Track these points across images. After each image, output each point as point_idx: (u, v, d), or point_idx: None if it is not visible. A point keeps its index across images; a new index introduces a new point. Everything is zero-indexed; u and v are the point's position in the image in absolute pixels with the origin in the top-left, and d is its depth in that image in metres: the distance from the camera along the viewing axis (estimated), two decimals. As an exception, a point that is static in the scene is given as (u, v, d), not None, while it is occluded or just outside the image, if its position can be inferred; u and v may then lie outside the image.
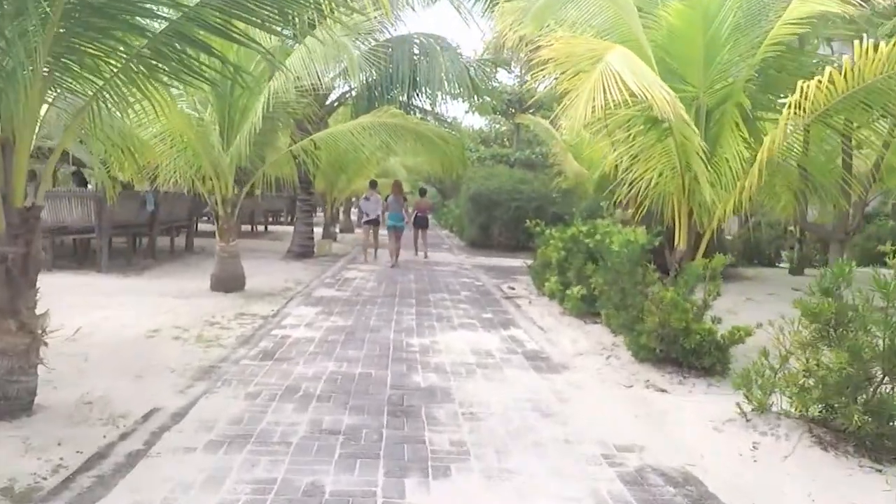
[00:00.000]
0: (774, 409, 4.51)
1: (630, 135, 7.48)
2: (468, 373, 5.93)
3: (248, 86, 5.92)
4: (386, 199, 15.95)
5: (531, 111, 26.16)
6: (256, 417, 4.50)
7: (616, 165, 7.89)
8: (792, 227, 19.17)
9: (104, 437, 4.04)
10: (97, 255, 12.66)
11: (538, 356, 6.69)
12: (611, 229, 8.48)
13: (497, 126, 35.79)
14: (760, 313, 6.78)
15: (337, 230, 25.39)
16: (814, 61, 7.54)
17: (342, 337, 7.25)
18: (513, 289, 11.88)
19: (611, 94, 5.15)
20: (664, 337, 5.86)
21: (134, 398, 4.80)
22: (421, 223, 17.99)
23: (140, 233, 15.51)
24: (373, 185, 16.89)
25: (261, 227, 26.94)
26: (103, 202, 12.47)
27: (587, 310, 8.41)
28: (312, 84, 9.43)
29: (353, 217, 34.77)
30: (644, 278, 6.58)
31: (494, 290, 11.70)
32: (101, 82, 4.59)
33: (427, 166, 31.86)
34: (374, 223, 16.21)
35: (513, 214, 20.23)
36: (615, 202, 13.51)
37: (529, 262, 12.62)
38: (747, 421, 4.49)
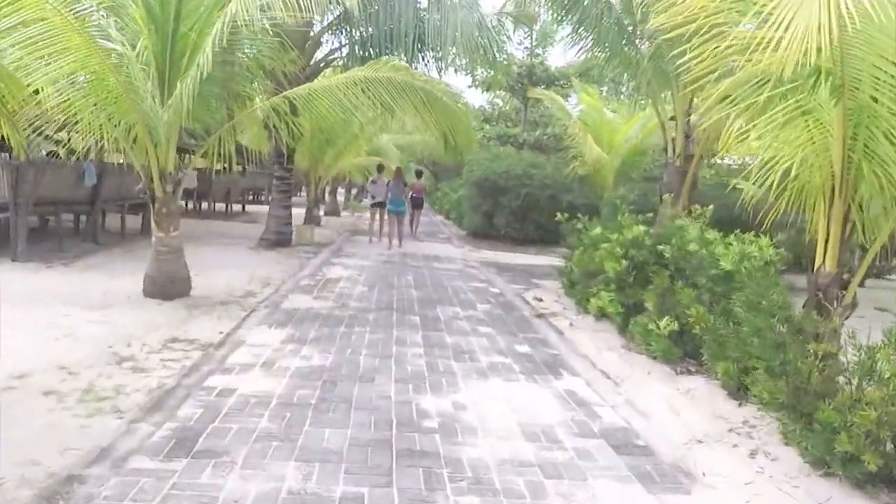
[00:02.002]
0: None
1: (774, 96, 4.87)
2: (533, 492, 3.36)
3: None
4: (388, 185, 15.83)
5: (542, 86, 23.49)
6: None
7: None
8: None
9: None
10: (16, 235, 9.91)
11: (631, 443, 4.13)
12: (711, 236, 5.92)
13: (500, 104, 33.03)
14: None
15: (321, 213, 22.69)
16: None
17: (316, 394, 4.65)
18: (540, 300, 9.33)
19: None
20: (880, 441, 3.34)
21: None
22: (416, 203, 18.94)
23: (81, 211, 12.82)
24: (380, 169, 17.46)
25: (238, 207, 24.18)
26: (22, 172, 9.81)
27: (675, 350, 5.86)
28: (289, 17, 6.77)
29: (340, 198, 32.10)
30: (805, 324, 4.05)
31: (518, 302, 9.14)
32: None
33: (422, 146, 29.25)
34: (381, 206, 16.20)
35: (522, 203, 17.68)
36: (664, 192, 11.03)
37: (556, 261, 10.14)
38: None
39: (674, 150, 11.11)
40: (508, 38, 13.84)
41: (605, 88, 26.62)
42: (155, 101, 6.73)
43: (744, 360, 4.74)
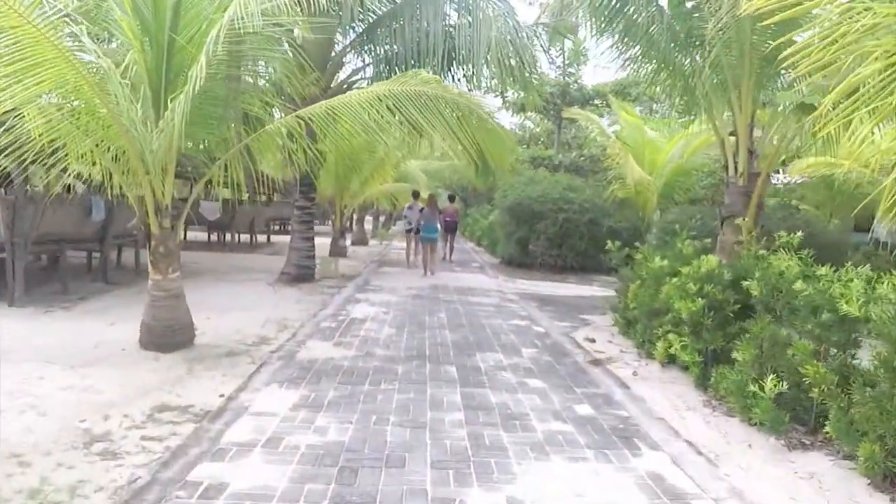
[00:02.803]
0: None
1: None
2: None
3: None
4: (421, 212, 15.79)
5: (576, 106, 22.46)
6: None
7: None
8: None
9: None
10: (12, 278, 9.05)
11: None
12: (820, 271, 4.75)
13: (531, 126, 32.00)
14: None
15: (348, 243, 21.77)
16: None
17: (330, 489, 3.57)
18: (592, 341, 8.18)
19: None
20: None
21: None
22: (450, 228, 19.36)
23: (91, 248, 12.04)
24: (415, 195, 17.81)
25: (263, 237, 23.37)
26: (20, 208, 8.99)
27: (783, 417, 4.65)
28: (295, 23, 5.85)
29: (368, 227, 31.24)
30: None
31: (567, 344, 7.99)
32: None
33: (451, 171, 28.31)
34: (416, 232, 16.33)
35: (559, 229, 16.58)
36: (725, 216, 9.81)
37: (599, 292, 8.99)
38: None
39: (735, 169, 9.91)
40: (546, 51, 12.79)
41: (640, 108, 25.52)
42: (147, 125, 5.81)
43: (891, 437, 3.57)
